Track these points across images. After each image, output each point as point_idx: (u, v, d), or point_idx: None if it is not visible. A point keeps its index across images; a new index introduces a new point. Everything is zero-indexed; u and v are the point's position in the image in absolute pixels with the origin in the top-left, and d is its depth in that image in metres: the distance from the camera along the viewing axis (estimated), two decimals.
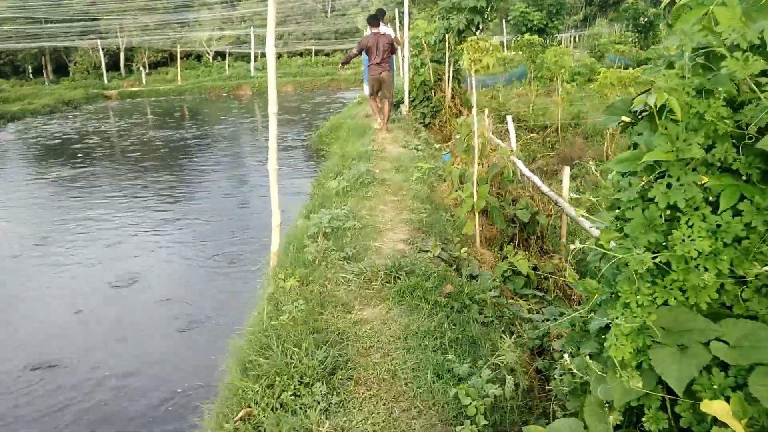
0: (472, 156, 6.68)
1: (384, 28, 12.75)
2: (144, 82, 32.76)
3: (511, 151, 6.28)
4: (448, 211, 6.02)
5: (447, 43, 11.89)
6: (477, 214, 5.45)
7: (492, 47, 5.30)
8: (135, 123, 19.06)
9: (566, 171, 5.92)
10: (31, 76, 44.61)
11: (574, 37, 53.04)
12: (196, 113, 21.67)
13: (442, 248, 4.73)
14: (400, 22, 19.53)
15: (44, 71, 46.08)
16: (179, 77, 33.22)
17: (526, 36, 18.85)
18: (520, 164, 6.49)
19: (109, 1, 45.27)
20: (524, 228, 5.68)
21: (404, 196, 6.07)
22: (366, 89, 12.55)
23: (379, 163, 7.70)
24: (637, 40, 23.76)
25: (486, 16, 11.64)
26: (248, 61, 38.37)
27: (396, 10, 21.48)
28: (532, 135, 12.54)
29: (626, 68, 22.79)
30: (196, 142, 14.40)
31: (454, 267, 4.76)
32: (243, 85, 29.21)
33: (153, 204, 9.31)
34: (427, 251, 4.66)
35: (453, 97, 12.45)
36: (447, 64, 12.11)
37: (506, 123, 10.50)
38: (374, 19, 10.71)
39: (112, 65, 43.58)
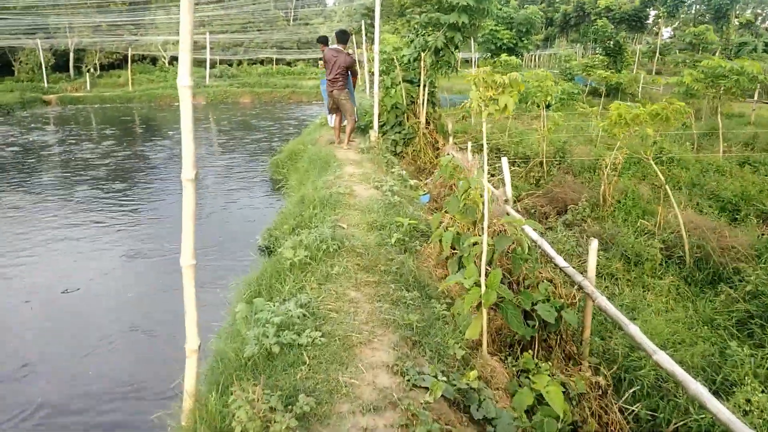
0: (476, 224, 5.13)
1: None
2: (89, 87, 30.16)
3: (525, 219, 4.73)
4: (441, 298, 4.42)
5: (422, 63, 10.37)
6: (485, 312, 3.88)
7: (512, 82, 3.75)
8: (67, 134, 16.83)
9: (593, 246, 4.41)
10: None
11: (535, 57, 52.74)
12: (140, 126, 19.45)
13: (445, 380, 3.13)
14: (366, 35, 17.93)
15: None
16: (131, 82, 30.75)
17: (503, 56, 17.66)
18: (535, 236, 4.95)
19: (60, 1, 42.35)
20: (545, 326, 4.14)
21: (382, 275, 4.44)
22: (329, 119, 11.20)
23: (347, 213, 6.06)
24: (607, 63, 22.82)
25: (466, 34, 10.17)
26: (204, 67, 36.16)
27: (362, 22, 19.88)
28: (512, 168, 11.11)
29: (594, 90, 21.74)
30: (130, 165, 12.43)
31: (462, 405, 3.18)
32: (196, 94, 27.04)
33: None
34: (425, 387, 3.05)
35: (428, 123, 10.93)
36: (421, 85, 10.58)
37: (481, 153, 9.06)
38: (342, 35, 9.39)
39: (62, 66, 40.68)
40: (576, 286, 4.57)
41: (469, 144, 8.78)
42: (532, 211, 9.18)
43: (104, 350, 4.86)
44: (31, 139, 15.71)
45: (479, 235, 5.17)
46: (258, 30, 48.80)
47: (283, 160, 10.20)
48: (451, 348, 3.62)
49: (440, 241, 5.44)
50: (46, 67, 37.48)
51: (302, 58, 45.70)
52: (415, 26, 10.71)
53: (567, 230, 8.35)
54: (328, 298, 3.98)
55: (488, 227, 5.29)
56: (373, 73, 18.97)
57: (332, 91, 9.47)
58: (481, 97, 3.77)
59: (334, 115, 10.05)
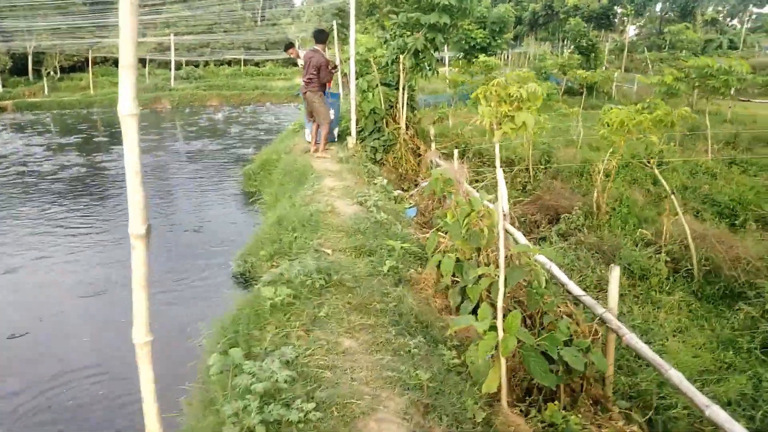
0: (480, 251, 4.57)
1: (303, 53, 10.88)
2: (47, 91, 28.77)
3: (536, 248, 4.18)
4: (448, 341, 3.84)
5: (401, 66, 9.77)
6: (503, 361, 3.30)
7: (529, 94, 3.18)
8: (22, 143, 15.78)
9: (615, 273, 3.88)
10: None
11: (505, 56, 52.65)
12: (102, 133, 18.44)
13: None
14: (338, 36, 17.28)
15: None
16: (92, 85, 29.46)
17: (482, 57, 17.18)
18: (554, 269, 4.40)
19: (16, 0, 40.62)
20: (569, 370, 3.58)
21: (379, 315, 3.83)
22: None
23: (331, 235, 5.44)
24: (581, 62, 22.55)
25: (447, 35, 9.61)
26: (170, 70, 34.94)
27: (334, 22, 19.20)
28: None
29: (569, 89, 21.39)
30: (89, 178, 11.54)
31: None
32: (161, 98, 25.97)
33: None
34: None
35: (407, 128, 10.33)
36: (401, 89, 9.99)
37: (456, 157, 8.52)
38: (318, 34, 8.89)
39: (21, 69, 38.97)
40: (596, 319, 4.03)
41: (456, 151, 8.21)
42: (522, 219, 8.67)
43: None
44: None
45: (484, 263, 4.61)
46: (224, 31, 47.65)
47: (256, 171, 9.49)
48: (469, 410, 3.04)
49: (438, 265, 4.88)
50: (2, 71, 35.85)
51: (271, 58, 44.70)
52: (392, 27, 10.10)
53: (562, 241, 7.87)
54: (318, 350, 3.35)
55: (491, 252, 4.74)
56: (345, 75, 18.33)
57: (305, 93, 9.13)
58: (494, 114, 3.19)
59: (312, 125, 9.47)
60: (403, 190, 9.66)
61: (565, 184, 9.89)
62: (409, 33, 9.68)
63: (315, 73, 8.87)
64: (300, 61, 10.69)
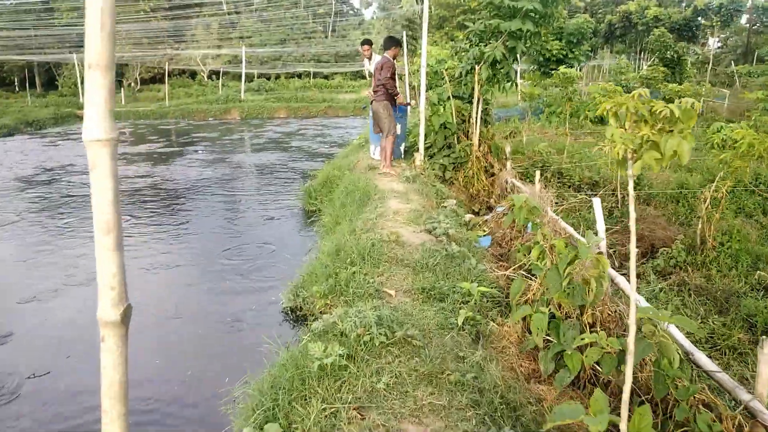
0: (584, 309, 3.66)
1: (376, 58, 10.06)
2: (123, 101, 29.56)
3: (667, 314, 3.21)
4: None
5: (477, 76, 8.89)
6: None
7: (682, 112, 2.26)
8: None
9: (765, 354, 2.87)
10: (17, 88, 41.63)
11: (578, 68, 50.61)
12: (166, 143, 18.43)
13: None
14: (407, 48, 16.53)
15: (36, 84, 43.10)
16: (167, 96, 30.09)
17: (562, 68, 16.05)
18: (685, 342, 3.43)
19: None
20: None
21: (453, 391, 2.97)
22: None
23: (394, 271, 4.63)
24: (666, 75, 20.92)
25: (529, 44, 8.66)
26: (245, 81, 35.39)
27: (403, 34, 18.50)
28: (579, 196, 9.51)
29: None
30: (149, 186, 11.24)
31: None
32: (232, 108, 26.07)
33: None
34: None
35: (479, 144, 9.42)
36: (475, 102, 9.10)
37: (537, 179, 7.50)
38: (388, 41, 8.69)
39: None
40: (740, 408, 3.01)
41: (537, 174, 7.24)
42: (611, 251, 7.57)
43: None
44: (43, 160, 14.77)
45: (587, 322, 3.67)
46: (296, 43, 48.19)
47: (317, 188, 8.81)
48: None
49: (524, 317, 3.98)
50: (84, 82, 37.36)
51: (340, 71, 44.74)
52: (467, 35, 9.24)
53: (660, 280, 6.75)
54: None
55: (597, 310, 3.79)
56: (413, 88, 17.57)
57: (372, 102, 8.67)
58: (630, 140, 2.29)
59: (378, 140, 8.83)
60: (474, 212, 8.76)
61: (659, 212, 8.70)
62: (486, 41, 8.80)
63: (383, 83, 8.24)
64: (368, 65, 9.97)
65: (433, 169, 9.00)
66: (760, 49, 39.05)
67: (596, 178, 10.20)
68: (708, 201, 7.14)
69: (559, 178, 10.41)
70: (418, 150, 9.25)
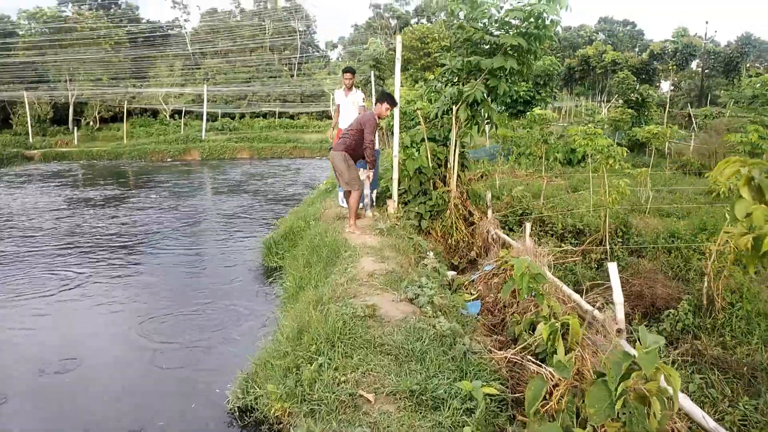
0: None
1: (357, 93, 9.09)
2: (76, 141, 28.03)
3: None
4: None
5: (455, 118, 8.08)
6: None
7: None
8: (22, 197, 14.44)
9: None
10: None
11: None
12: (116, 186, 17.09)
13: None
14: (375, 88, 15.79)
15: None
16: (125, 136, 28.70)
17: (536, 110, 15.55)
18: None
19: (60, 52, 41.06)
20: None
21: None
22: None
23: (373, 362, 3.60)
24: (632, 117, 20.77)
25: (512, 82, 7.93)
26: (208, 120, 34.26)
27: (371, 74, 17.79)
28: (563, 246, 8.70)
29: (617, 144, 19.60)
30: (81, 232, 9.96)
31: None
32: (191, 149, 24.85)
33: None
34: None
35: (458, 190, 8.56)
36: (453, 145, 8.27)
37: (527, 232, 6.61)
38: (386, 97, 7.56)
39: (62, 119, 38.98)
40: None
41: (527, 226, 6.35)
42: (603, 310, 6.68)
43: None
44: None
45: None
46: (261, 83, 47.47)
47: (279, 241, 7.75)
48: None
49: None
50: (43, 120, 35.72)
51: (305, 111, 44.09)
52: (445, 73, 8.47)
53: (670, 348, 5.88)
54: None
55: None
56: (382, 128, 16.78)
57: (331, 148, 7.44)
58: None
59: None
60: (454, 266, 7.82)
61: (651, 264, 7.91)
62: (463, 80, 8.03)
63: (354, 130, 7.18)
64: (342, 97, 8.95)
65: (408, 218, 8.07)
66: (713, 92, 40.04)
67: (580, 226, 9.42)
68: (714, 256, 6.36)
69: (540, 226, 9.60)
70: (391, 197, 8.34)
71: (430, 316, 4.55)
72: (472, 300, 5.61)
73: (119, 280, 7.33)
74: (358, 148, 7.18)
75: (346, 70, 8.92)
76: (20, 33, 41.48)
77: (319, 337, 3.86)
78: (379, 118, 7.31)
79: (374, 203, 8.64)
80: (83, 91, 38.19)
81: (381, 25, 56.90)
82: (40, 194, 14.85)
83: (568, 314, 4.45)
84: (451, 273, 6.64)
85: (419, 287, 5.08)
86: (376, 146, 9.25)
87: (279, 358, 3.85)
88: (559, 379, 3.42)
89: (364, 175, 7.57)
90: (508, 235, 8.26)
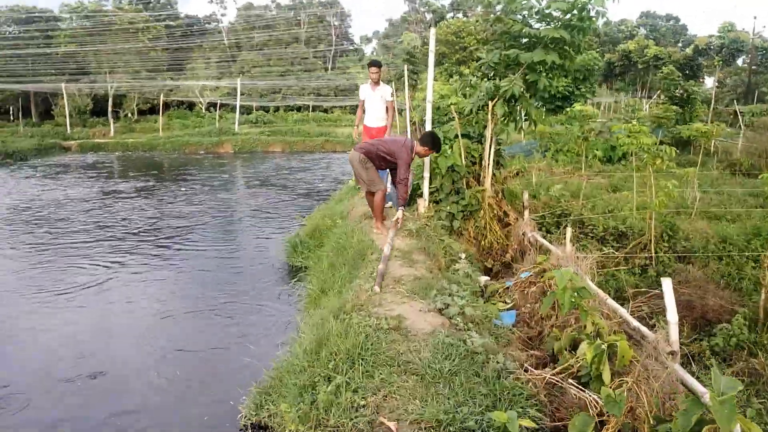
0: None
1: (385, 87, 8.68)
2: (113, 132, 28.36)
3: None
4: None
5: (491, 114, 7.65)
6: None
7: None
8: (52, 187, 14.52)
9: None
10: (12, 117, 40.64)
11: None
12: (148, 178, 17.09)
13: None
14: (408, 83, 15.44)
15: (31, 113, 42.15)
16: (161, 128, 28.95)
17: (577, 106, 14.98)
18: None
19: (100, 45, 41.77)
20: None
21: None
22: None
23: (396, 386, 3.26)
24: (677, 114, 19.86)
25: (553, 77, 7.46)
26: (243, 113, 34.34)
27: (405, 67, 17.42)
28: (604, 249, 8.17)
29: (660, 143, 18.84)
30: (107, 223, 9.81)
31: None
32: (224, 142, 24.87)
33: None
34: None
35: (493, 189, 8.12)
36: (488, 142, 7.85)
37: (568, 239, 6.15)
38: (430, 139, 6.96)
39: (102, 111, 39.72)
40: None
41: (569, 231, 5.90)
42: (652, 321, 6.18)
43: None
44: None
45: None
46: (296, 77, 47.48)
47: (304, 240, 7.47)
48: None
49: None
50: (83, 112, 36.40)
51: (339, 105, 43.93)
52: (481, 68, 8.03)
53: (724, 366, 5.38)
54: None
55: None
56: (414, 123, 16.36)
57: (353, 150, 6.73)
58: None
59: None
60: (487, 270, 7.42)
61: (701, 272, 7.35)
62: (501, 75, 7.58)
63: (384, 150, 6.54)
64: (370, 91, 8.61)
65: (440, 218, 7.69)
66: (760, 89, 38.34)
67: (622, 228, 8.87)
68: None
69: (580, 228, 9.09)
70: (421, 195, 7.97)
71: (460, 329, 4.19)
72: (507, 309, 5.21)
73: (141, 277, 7.16)
74: (380, 164, 6.70)
75: (372, 64, 8.58)
76: (62, 26, 42.33)
77: (338, 352, 3.53)
78: (417, 156, 6.86)
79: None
80: (122, 84, 38.79)
81: (416, 19, 56.32)
82: (73, 185, 14.95)
83: (615, 332, 4.03)
84: (483, 278, 6.24)
85: (449, 296, 4.72)
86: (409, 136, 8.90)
87: (295, 373, 3.54)
88: (607, 413, 3.02)
89: (395, 216, 6.87)
90: (545, 238, 7.82)
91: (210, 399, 4.26)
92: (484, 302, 5.32)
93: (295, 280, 6.59)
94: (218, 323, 5.64)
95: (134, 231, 9.65)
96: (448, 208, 7.84)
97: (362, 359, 3.46)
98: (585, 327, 4.02)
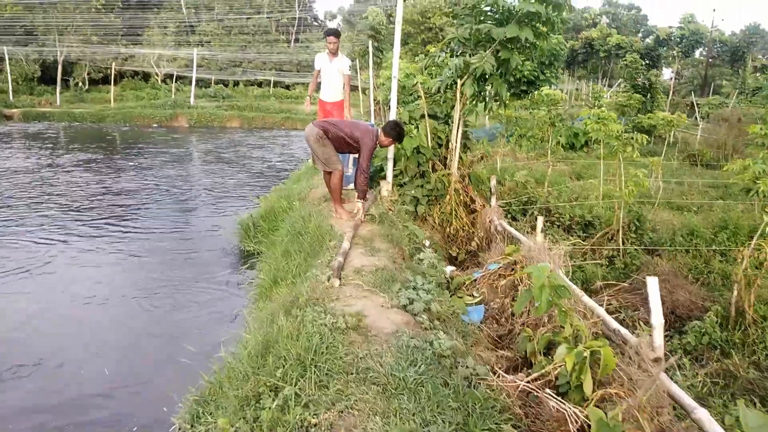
0: None
1: (343, 59, 8.13)
2: (58, 102, 26.77)
3: None
4: None
5: (458, 93, 7.22)
6: None
7: None
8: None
9: None
10: None
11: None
12: (93, 151, 16.09)
13: None
14: (373, 60, 14.86)
15: None
16: (112, 99, 27.50)
17: (545, 90, 14.70)
18: None
19: (49, 9, 39.41)
20: None
21: None
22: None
23: (353, 395, 2.83)
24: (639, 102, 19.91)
25: (525, 56, 7.07)
26: (202, 87, 32.97)
27: (369, 44, 16.81)
28: (571, 239, 7.91)
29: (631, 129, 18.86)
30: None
31: None
32: (179, 115, 23.73)
33: None
34: None
35: (460, 173, 7.73)
36: (456, 124, 7.43)
37: (539, 229, 5.84)
38: (393, 130, 6.31)
39: (49, 79, 37.55)
40: None
41: (540, 220, 5.54)
42: (620, 316, 5.93)
43: None
44: None
45: None
46: (257, 51, 46.00)
47: (258, 222, 6.92)
48: None
49: None
50: (31, 79, 34.42)
51: (301, 81, 42.82)
52: (449, 44, 7.58)
53: (696, 366, 5.16)
54: None
55: None
56: (378, 102, 15.80)
57: (308, 128, 6.05)
58: None
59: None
60: (452, 258, 7.05)
61: (669, 264, 7.16)
62: (471, 52, 7.14)
63: (346, 133, 5.94)
64: (326, 62, 8.07)
65: (404, 203, 7.26)
66: (716, 82, 39.17)
67: (589, 218, 8.64)
68: (746, 262, 5.61)
69: (546, 216, 8.81)
70: (385, 177, 7.52)
71: (426, 328, 3.79)
72: (475, 304, 4.84)
73: (79, 260, 6.50)
74: (339, 146, 6.14)
75: (328, 33, 7.97)
76: None
77: (288, 357, 3.07)
78: (379, 145, 6.32)
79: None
80: (72, 50, 36.72)
81: None
82: (10, 156, 13.88)
83: (594, 335, 3.69)
84: (449, 268, 5.86)
85: (414, 289, 4.30)
86: (371, 121, 8.35)
87: (237, 380, 3.06)
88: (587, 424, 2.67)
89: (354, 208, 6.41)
90: (512, 225, 7.50)
91: (142, 401, 3.76)
92: (451, 295, 4.94)
93: (246, 267, 6.07)
94: (158, 313, 5.09)
95: (75, 208, 8.90)
96: (413, 192, 7.42)
97: (315, 366, 3.01)
98: (563, 329, 3.66)
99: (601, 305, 6.33)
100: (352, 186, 7.62)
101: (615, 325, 3.85)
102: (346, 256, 4.74)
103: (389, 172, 7.38)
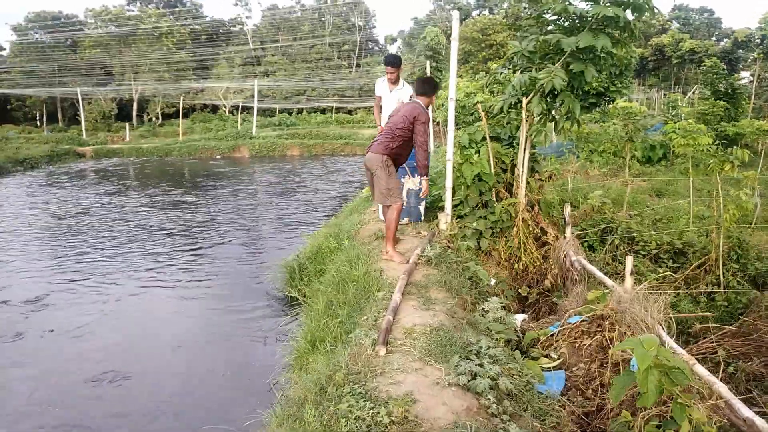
0: None
1: (405, 88, 7.37)
2: (128, 137, 27.66)
3: None
4: None
5: (525, 113, 6.36)
6: None
7: None
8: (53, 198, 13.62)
9: None
10: (39, 123, 40.66)
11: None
12: (156, 187, 16.08)
13: None
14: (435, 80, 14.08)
15: (57, 119, 42.07)
16: (181, 132, 28.19)
17: (620, 102, 13.54)
18: None
19: (125, 50, 41.43)
20: None
21: None
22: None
23: None
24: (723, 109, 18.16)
25: (602, 68, 6.14)
26: (267, 116, 33.42)
27: (427, 64, 16.08)
28: (660, 270, 6.82)
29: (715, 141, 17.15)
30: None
31: None
32: (241, 146, 23.87)
33: None
34: None
35: (527, 201, 6.82)
36: (521, 146, 6.56)
37: (628, 268, 4.83)
38: (424, 84, 5.82)
39: (125, 116, 39.40)
40: None
41: (629, 261, 4.56)
42: (732, 370, 4.82)
43: None
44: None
45: None
46: (320, 78, 46.51)
47: (303, 264, 6.28)
48: None
49: None
50: (108, 116, 36.09)
51: (363, 105, 42.84)
52: (512, 58, 6.74)
53: None
54: None
55: None
56: (437, 124, 15.02)
57: (367, 152, 5.63)
58: None
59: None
60: (521, 298, 6.15)
61: None
62: (537, 66, 6.28)
63: (401, 128, 5.47)
64: (386, 91, 7.31)
65: (464, 237, 6.44)
66: None
67: (678, 245, 7.47)
68: None
69: (629, 244, 7.71)
70: (443, 209, 6.73)
71: (493, 414, 2.96)
72: (553, 368, 3.94)
73: (112, 306, 6.07)
74: (403, 150, 5.60)
75: (387, 62, 7.12)
76: (87, 31, 42.13)
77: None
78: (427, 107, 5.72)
79: (422, 217, 7.07)
80: (146, 88, 38.34)
81: (442, 17, 54.85)
82: (67, 194, 14.04)
83: (717, 426, 2.75)
84: (519, 317, 4.99)
85: (477, 355, 3.48)
86: (430, 147, 7.58)
87: None
88: None
89: (415, 184, 6.04)
90: (589, 257, 6.53)
91: None
92: (522, 355, 4.06)
93: (289, 320, 5.42)
94: (188, 375, 4.50)
95: (121, 243, 8.62)
96: (475, 224, 6.57)
97: None
98: (672, 418, 2.74)
99: (704, 354, 5.22)
100: (407, 220, 6.90)
101: (746, 413, 2.87)
102: (395, 312, 3.99)
103: (448, 203, 6.59)
